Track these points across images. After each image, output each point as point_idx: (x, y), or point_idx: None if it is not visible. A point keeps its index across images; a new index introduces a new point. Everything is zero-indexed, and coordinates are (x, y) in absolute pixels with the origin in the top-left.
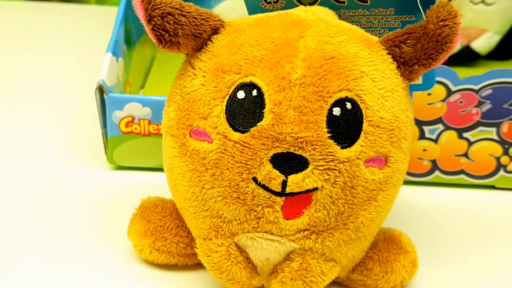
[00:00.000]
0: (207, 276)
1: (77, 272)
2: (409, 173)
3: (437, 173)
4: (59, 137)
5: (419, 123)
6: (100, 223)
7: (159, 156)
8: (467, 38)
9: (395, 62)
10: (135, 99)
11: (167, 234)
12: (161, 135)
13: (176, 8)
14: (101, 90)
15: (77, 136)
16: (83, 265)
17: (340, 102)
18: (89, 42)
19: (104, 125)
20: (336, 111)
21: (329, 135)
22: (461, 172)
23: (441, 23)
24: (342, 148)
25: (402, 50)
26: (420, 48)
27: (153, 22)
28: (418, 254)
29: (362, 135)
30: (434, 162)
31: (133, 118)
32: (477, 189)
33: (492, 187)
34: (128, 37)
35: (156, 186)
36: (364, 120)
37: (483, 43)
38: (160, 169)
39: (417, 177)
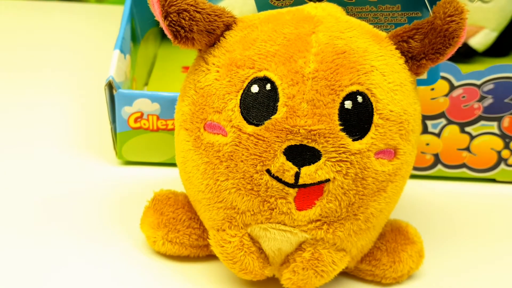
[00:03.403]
0: (218, 267)
1: (91, 265)
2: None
3: (439, 166)
4: (67, 133)
5: (422, 118)
6: (111, 217)
7: (168, 151)
8: (465, 34)
9: (403, 57)
10: (144, 95)
11: (180, 226)
12: (169, 130)
13: (191, 5)
14: (110, 86)
15: (85, 131)
16: (96, 258)
17: (351, 96)
18: (90, 40)
19: (113, 120)
20: (348, 104)
21: (341, 127)
22: (463, 165)
23: (448, 19)
24: (353, 140)
25: (410, 45)
26: (428, 43)
27: (169, 19)
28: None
29: (373, 128)
30: (436, 156)
31: (142, 114)
32: (478, 183)
33: (493, 180)
34: (134, 34)
35: (165, 180)
36: (374, 113)
37: (480, 40)
38: (168, 164)
39: (419, 170)
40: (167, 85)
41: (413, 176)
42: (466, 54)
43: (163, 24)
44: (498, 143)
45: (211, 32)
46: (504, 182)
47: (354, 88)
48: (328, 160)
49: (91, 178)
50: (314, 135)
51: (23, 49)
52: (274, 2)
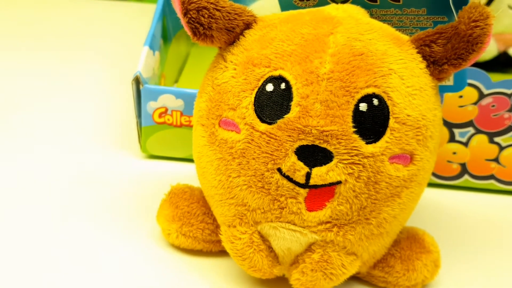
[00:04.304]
0: (230, 263)
1: (108, 252)
2: (437, 176)
3: (466, 177)
4: (95, 125)
5: (450, 126)
6: (131, 208)
7: (190, 147)
8: (505, 44)
9: (425, 61)
10: (169, 91)
11: (194, 220)
12: (192, 126)
13: (211, 3)
14: (137, 81)
15: (112, 125)
16: (114, 246)
17: (367, 98)
18: (128, 37)
19: (139, 115)
20: (363, 106)
21: (354, 129)
22: (491, 177)
23: (472, 24)
24: (367, 143)
25: (432, 50)
26: (451, 48)
27: (188, 16)
28: (442, 256)
29: (388, 132)
30: (463, 165)
31: (166, 109)
32: (507, 195)
33: None
34: (165, 32)
35: (185, 175)
36: (390, 116)
37: None
38: (189, 160)
39: (445, 180)
40: (197, 83)
41: (438, 185)
42: (506, 64)
43: (182, 21)
44: None
45: (230, 30)
46: None
47: (370, 90)
48: (340, 162)
49: (116, 170)
50: (326, 136)
51: (64, 43)
52: (298, 3)
